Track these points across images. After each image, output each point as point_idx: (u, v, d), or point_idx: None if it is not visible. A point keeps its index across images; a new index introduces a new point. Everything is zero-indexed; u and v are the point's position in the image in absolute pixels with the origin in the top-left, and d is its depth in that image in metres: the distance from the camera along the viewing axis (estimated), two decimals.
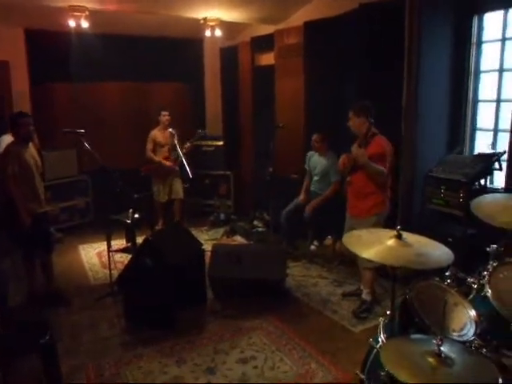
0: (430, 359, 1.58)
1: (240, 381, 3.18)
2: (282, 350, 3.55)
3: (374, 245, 1.91)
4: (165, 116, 6.20)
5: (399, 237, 1.93)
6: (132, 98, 7.02)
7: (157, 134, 6.24)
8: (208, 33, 6.26)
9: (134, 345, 3.66)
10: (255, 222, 6.15)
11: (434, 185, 4.44)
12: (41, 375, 2.71)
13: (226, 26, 6.39)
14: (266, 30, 6.52)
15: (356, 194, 4.11)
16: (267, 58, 6.68)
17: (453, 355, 1.61)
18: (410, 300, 2.10)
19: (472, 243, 3.92)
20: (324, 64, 5.61)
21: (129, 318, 3.98)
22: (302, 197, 5.28)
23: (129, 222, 5.14)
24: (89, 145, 4.44)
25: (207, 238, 6.06)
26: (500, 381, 1.54)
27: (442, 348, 1.58)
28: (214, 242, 5.65)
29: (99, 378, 3.25)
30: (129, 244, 5.52)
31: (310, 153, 5.33)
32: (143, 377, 3.25)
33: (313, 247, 5.40)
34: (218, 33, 6.27)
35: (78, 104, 6.61)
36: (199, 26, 6.23)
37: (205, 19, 6.14)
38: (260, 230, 5.96)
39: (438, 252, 1.95)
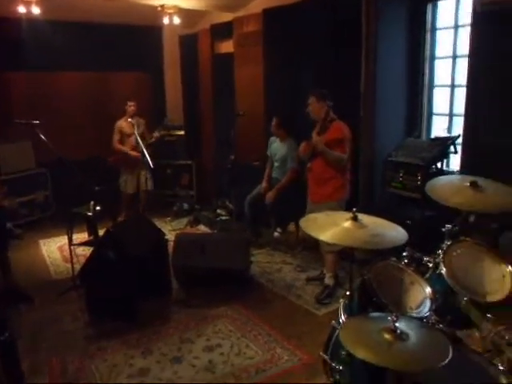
0: (386, 335, 1.64)
1: (207, 368, 3.20)
2: (247, 336, 3.58)
3: (331, 227, 1.95)
4: (130, 106, 6.09)
5: (355, 218, 1.97)
6: (91, 88, 6.87)
7: (123, 124, 6.11)
8: (166, 20, 6.16)
9: (98, 338, 3.62)
10: (218, 211, 6.14)
11: (393, 169, 4.53)
12: (1, 375, 2.65)
13: (185, 13, 6.30)
14: (226, 17, 6.46)
15: (316, 181, 4.17)
16: (227, 46, 6.64)
17: (408, 330, 1.67)
18: (368, 280, 2.15)
19: (430, 225, 4.04)
20: (283, 51, 5.62)
21: (92, 311, 3.92)
22: (263, 184, 5.30)
23: (90, 214, 5.04)
24: (45, 136, 4.30)
25: (171, 229, 6.02)
26: (450, 350, 1.61)
27: (397, 324, 1.63)
28: (178, 232, 5.61)
29: (63, 373, 3.20)
30: (91, 237, 5.41)
31: (272, 139, 5.35)
32: (108, 370, 3.22)
33: (276, 234, 5.45)
34: (177, 20, 6.18)
35: (34, 94, 6.41)
36: (157, 13, 6.12)
37: (162, 6, 6.03)
38: (223, 218, 5.96)
39: (392, 232, 2.01)
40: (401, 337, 1.63)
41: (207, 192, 6.99)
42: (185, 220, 6.41)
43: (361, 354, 1.58)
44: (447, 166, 4.88)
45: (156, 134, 6.11)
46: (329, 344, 2.42)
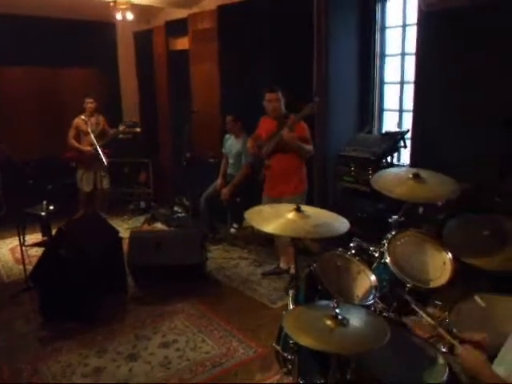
0: (328, 322, 1.70)
1: (162, 364, 3.20)
2: (203, 331, 3.60)
3: (275, 219, 1.99)
4: (88, 103, 5.98)
5: (298, 210, 2.02)
6: (42, 84, 6.69)
7: (80, 121, 5.99)
8: (119, 16, 6.07)
9: (52, 339, 3.55)
10: (175, 208, 6.13)
11: (345, 163, 4.65)
12: None
13: (139, 9, 6.23)
14: (181, 14, 6.43)
15: (278, 176, 4.22)
16: (182, 43, 6.61)
17: (349, 316, 1.74)
18: (314, 270, 2.21)
19: (381, 216, 4.17)
20: (238, 48, 5.65)
21: (46, 312, 3.83)
22: (219, 181, 5.31)
23: (43, 214, 4.94)
24: None
25: (128, 227, 5.96)
26: (389, 334, 1.68)
27: (337, 310, 1.70)
28: (133, 230, 5.57)
29: (15, 378, 3.12)
30: (45, 238, 5.30)
31: (227, 136, 5.37)
32: (62, 370, 3.17)
33: (232, 230, 5.48)
34: (130, 16, 6.10)
35: None
36: (110, 8, 6.02)
37: (115, 2, 5.93)
38: (180, 215, 5.95)
39: (335, 222, 2.07)
40: (342, 322, 1.69)
41: (165, 190, 6.96)
42: (142, 218, 6.36)
43: (303, 340, 1.63)
44: (398, 160, 5.04)
45: (122, 127, 6.02)
46: (280, 335, 2.48)
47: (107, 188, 6.26)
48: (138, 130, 6.98)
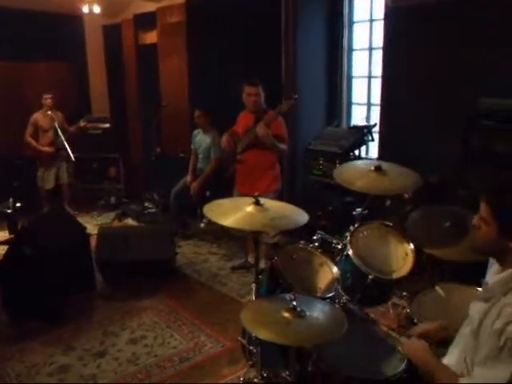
0: (285, 314, 1.71)
1: (129, 361, 3.17)
2: (171, 326, 3.59)
3: (234, 212, 1.99)
4: (47, 99, 5.85)
5: (257, 203, 2.02)
6: (6, 79, 6.51)
7: (38, 117, 5.86)
8: (86, 9, 5.99)
9: (16, 339, 3.47)
10: (146, 204, 6.07)
11: (313, 157, 4.69)
12: None
13: (107, 2, 6.14)
14: (150, 7, 6.35)
15: (251, 172, 4.13)
16: (152, 37, 6.53)
17: (307, 308, 1.75)
18: (275, 263, 2.22)
19: (348, 209, 4.22)
20: (208, 42, 5.60)
21: (10, 311, 3.76)
22: (188, 177, 5.26)
23: (9, 211, 4.84)
24: None
25: (98, 223, 5.87)
26: (346, 325, 1.70)
27: (294, 303, 1.71)
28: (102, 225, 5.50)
29: None
30: (12, 235, 5.19)
31: (196, 131, 5.33)
32: (27, 371, 3.11)
33: (202, 225, 5.44)
34: (97, 9, 6.03)
35: None
36: (77, 1, 5.91)
37: None
38: (151, 211, 5.90)
39: (293, 215, 2.08)
40: (299, 314, 1.70)
41: (136, 185, 6.88)
42: (112, 214, 6.27)
43: (260, 333, 1.64)
44: (366, 153, 5.11)
45: (83, 123, 5.91)
46: (245, 328, 2.48)
47: (69, 183, 6.17)
48: (103, 125, 6.85)
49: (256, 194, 2.56)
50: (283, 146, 4.03)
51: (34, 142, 5.84)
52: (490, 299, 1.57)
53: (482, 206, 1.61)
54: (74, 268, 3.96)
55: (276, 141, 3.94)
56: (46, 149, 5.84)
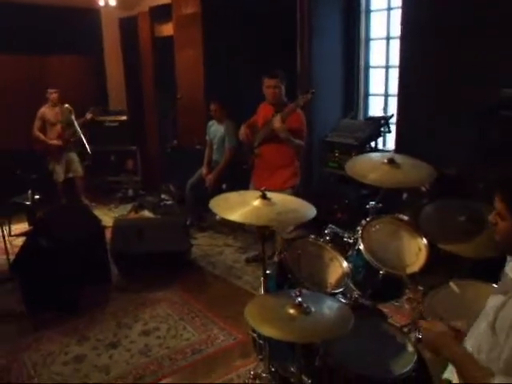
0: (291, 310, 1.68)
1: (142, 352, 3.20)
2: (185, 318, 3.60)
3: (240, 206, 1.96)
4: (52, 94, 5.93)
5: (264, 197, 2.00)
6: (26, 72, 6.58)
7: (46, 111, 5.97)
8: (102, 2, 6.00)
9: (33, 329, 3.53)
10: (163, 196, 6.10)
11: (329, 149, 4.64)
12: None
13: None
14: None
15: (267, 166, 4.05)
16: (167, 29, 6.52)
17: (313, 304, 1.72)
18: (284, 258, 2.20)
19: (365, 203, 4.16)
20: (223, 34, 5.56)
21: (28, 302, 3.80)
22: (204, 170, 5.25)
23: (29, 203, 4.92)
24: None
25: (115, 216, 5.92)
26: (352, 321, 1.67)
27: (299, 299, 1.68)
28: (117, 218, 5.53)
29: None
30: (31, 227, 5.28)
31: (211, 122, 5.32)
32: (42, 359, 3.17)
33: (218, 217, 5.40)
34: (113, 2, 6.04)
35: None
36: None
37: None
38: (167, 203, 5.92)
39: (300, 209, 2.05)
40: (305, 310, 1.68)
41: (153, 177, 6.92)
42: (129, 206, 6.32)
43: (265, 330, 1.62)
44: (384, 145, 5.03)
45: (89, 115, 5.94)
46: None
47: (82, 175, 6.24)
48: (120, 118, 6.89)
49: (272, 189, 2.55)
50: (299, 141, 3.88)
51: (42, 136, 5.94)
52: (508, 292, 1.53)
53: (497, 201, 1.57)
54: (89, 260, 4.00)
55: (291, 135, 3.80)
56: (55, 142, 5.93)
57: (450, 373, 1.72)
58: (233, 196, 2.16)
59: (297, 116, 3.89)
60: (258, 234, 2.06)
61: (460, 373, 1.56)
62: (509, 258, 1.70)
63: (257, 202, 1.97)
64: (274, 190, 3.82)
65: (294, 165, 4.07)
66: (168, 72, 6.38)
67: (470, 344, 1.69)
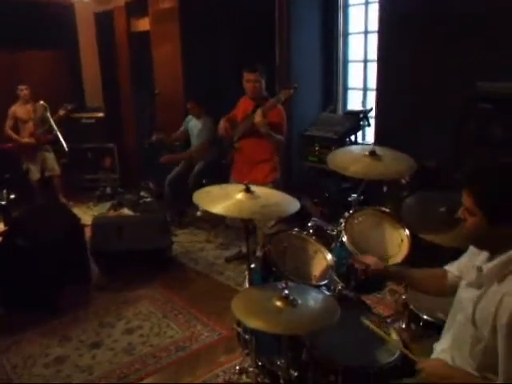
0: (277, 302, 1.68)
1: (125, 351, 3.16)
2: (168, 316, 3.57)
3: (223, 200, 1.94)
4: (23, 90, 5.79)
5: (247, 190, 1.98)
6: None
7: (17, 109, 5.83)
8: None
9: (12, 331, 3.45)
10: (142, 193, 6.03)
11: (309, 143, 4.65)
12: None
13: None
14: None
15: (247, 161, 4.03)
16: (144, 24, 6.43)
17: (299, 297, 1.72)
18: (268, 251, 2.19)
19: (346, 196, 4.19)
20: (201, 29, 5.52)
21: (5, 303, 3.74)
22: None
23: (4, 203, 4.80)
24: None
25: (93, 214, 5.83)
26: (338, 313, 1.68)
27: (286, 291, 1.68)
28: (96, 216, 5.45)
29: None
30: (7, 227, 5.16)
31: (188, 117, 5.28)
32: (22, 361, 3.10)
33: (199, 213, 5.38)
34: None
35: None
36: None
37: None
38: (146, 200, 5.86)
39: (284, 203, 2.04)
40: (292, 303, 1.68)
41: (131, 175, 6.83)
42: (108, 204, 6.23)
43: (251, 322, 1.61)
44: (363, 138, 5.06)
45: (62, 112, 5.82)
46: None
47: (59, 173, 6.13)
48: (97, 115, 6.79)
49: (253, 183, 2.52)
50: (279, 137, 3.86)
51: (14, 135, 5.81)
52: (483, 285, 1.54)
53: (464, 196, 1.56)
54: (68, 259, 3.93)
55: (272, 130, 3.78)
56: (27, 140, 5.79)
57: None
58: (215, 189, 2.14)
59: (277, 111, 3.87)
60: (243, 228, 2.04)
61: None
62: (477, 251, 1.69)
63: (240, 196, 1.96)
64: (256, 185, 3.92)
65: (274, 160, 4.05)
66: (145, 67, 6.31)
67: (449, 335, 1.72)
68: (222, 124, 4.07)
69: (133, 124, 6.76)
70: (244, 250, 4.30)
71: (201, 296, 3.85)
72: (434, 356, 1.75)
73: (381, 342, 1.95)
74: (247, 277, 2.26)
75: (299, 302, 1.68)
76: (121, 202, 6.16)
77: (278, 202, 2.00)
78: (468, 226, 1.57)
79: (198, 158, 5.06)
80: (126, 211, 5.96)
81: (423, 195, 2.76)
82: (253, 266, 2.29)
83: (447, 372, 1.59)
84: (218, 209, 1.90)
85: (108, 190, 6.60)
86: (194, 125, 5.21)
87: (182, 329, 3.39)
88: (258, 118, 3.72)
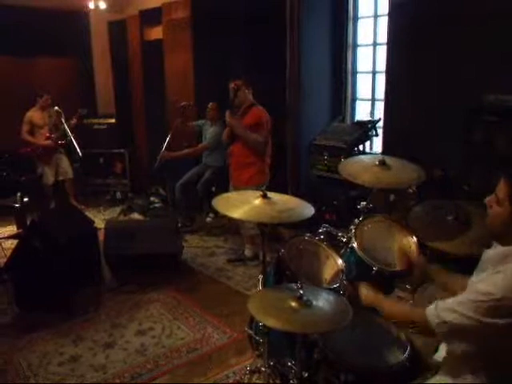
0: (292, 303, 1.76)
1: (138, 351, 3.24)
2: (179, 318, 3.65)
3: (242, 205, 2.04)
4: (48, 100, 5.93)
5: (265, 196, 2.08)
6: (14, 74, 6.57)
7: (33, 114, 5.95)
8: (92, 5, 6.03)
9: (28, 330, 3.53)
10: (152, 199, 6.14)
11: (318, 152, 4.74)
12: None
13: None
14: (155, 2, 6.39)
15: (236, 165, 4.25)
16: (157, 33, 6.57)
17: (313, 298, 1.81)
18: (283, 255, 2.28)
19: (353, 204, 4.27)
20: (213, 38, 5.63)
21: (21, 303, 3.82)
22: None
23: (17, 206, 4.90)
24: None
25: (104, 218, 5.94)
26: (351, 314, 1.76)
27: (301, 291, 1.76)
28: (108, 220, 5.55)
29: None
30: (20, 230, 5.26)
31: (203, 121, 5.39)
32: (38, 360, 3.18)
33: (209, 219, 5.51)
34: (103, 5, 6.08)
35: None
36: None
37: None
38: (157, 205, 5.96)
39: (299, 208, 2.13)
40: (306, 303, 1.76)
41: (141, 180, 6.95)
42: (118, 209, 6.34)
43: (269, 322, 1.70)
44: (371, 148, 5.14)
45: (73, 121, 5.94)
46: (253, 319, 2.54)
47: (72, 177, 6.25)
48: (109, 121, 6.91)
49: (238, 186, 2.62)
50: (255, 136, 4.05)
51: (31, 139, 5.91)
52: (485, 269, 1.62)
53: (500, 186, 1.57)
54: (82, 261, 4.03)
55: (249, 130, 4.03)
56: (45, 142, 5.89)
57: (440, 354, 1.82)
58: (233, 195, 2.24)
59: (254, 111, 4.09)
60: (260, 233, 2.14)
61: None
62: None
63: (257, 201, 2.06)
64: (240, 188, 4.02)
65: (261, 162, 4.20)
66: (157, 76, 6.43)
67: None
68: (226, 131, 4.29)
69: (144, 130, 6.89)
70: (247, 253, 4.45)
71: (210, 300, 3.92)
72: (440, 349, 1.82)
73: (390, 344, 2.04)
74: (260, 279, 2.34)
75: (313, 302, 1.77)
76: (131, 206, 6.27)
77: (294, 207, 2.10)
78: (492, 215, 1.61)
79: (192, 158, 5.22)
80: (136, 216, 6.06)
81: (430, 204, 2.84)
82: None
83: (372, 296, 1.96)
84: (237, 214, 1.99)
85: (118, 194, 6.72)
86: (207, 130, 5.34)
87: (193, 331, 3.47)
88: (226, 118, 4.06)
